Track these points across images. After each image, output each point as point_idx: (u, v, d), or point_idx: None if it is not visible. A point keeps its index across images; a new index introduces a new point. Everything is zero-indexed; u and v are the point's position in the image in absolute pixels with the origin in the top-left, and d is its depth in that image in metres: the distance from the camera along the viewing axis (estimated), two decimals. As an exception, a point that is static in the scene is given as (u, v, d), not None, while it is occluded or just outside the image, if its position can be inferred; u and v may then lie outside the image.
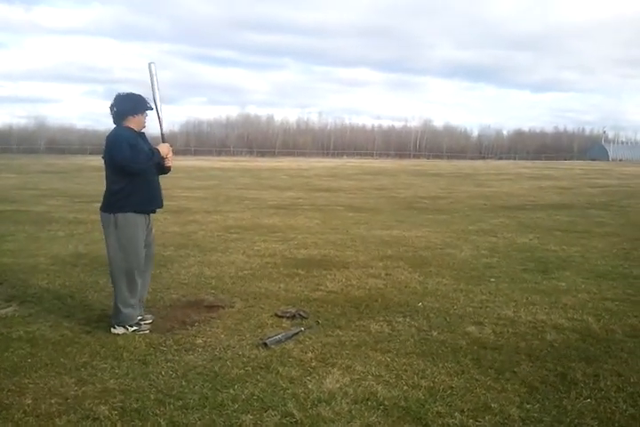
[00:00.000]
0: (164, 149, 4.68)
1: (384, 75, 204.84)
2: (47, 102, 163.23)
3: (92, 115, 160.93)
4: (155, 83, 4.70)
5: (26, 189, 18.28)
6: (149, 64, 4.68)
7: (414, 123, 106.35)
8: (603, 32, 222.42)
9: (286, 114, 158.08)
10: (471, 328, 4.72)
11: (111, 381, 3.62)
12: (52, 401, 3.32)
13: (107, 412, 3.20)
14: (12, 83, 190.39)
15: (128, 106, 4.60)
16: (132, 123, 4.61)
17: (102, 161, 4.58)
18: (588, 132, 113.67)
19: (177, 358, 4.01)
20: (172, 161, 4.81)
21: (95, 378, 3.66)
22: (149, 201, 4.70)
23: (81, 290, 5.76)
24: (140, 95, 4.66)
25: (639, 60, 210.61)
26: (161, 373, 3.75)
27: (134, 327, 4.56)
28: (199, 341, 4.36)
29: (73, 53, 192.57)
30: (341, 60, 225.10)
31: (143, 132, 4.78)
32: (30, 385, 3.54)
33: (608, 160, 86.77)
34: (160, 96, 4.69)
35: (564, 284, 6.28)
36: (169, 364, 3.90)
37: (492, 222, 11.55)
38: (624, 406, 3.37)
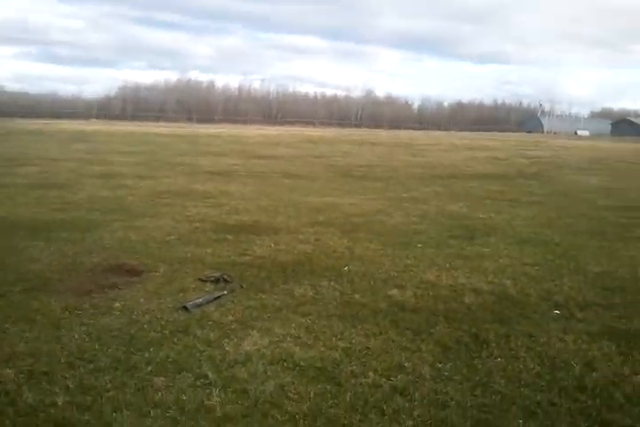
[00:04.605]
0: None
1: (329, 42, 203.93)
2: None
3: (24, 77, 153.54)
4: None
5: None
6: None
7: (357, 92, 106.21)
8: (544, 6, 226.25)
9: (228, 80, 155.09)
10: (393, 291, 4.79)
11: (21, 344, 3.52)
12: (-45, 366, 3.20)
13: (12, 375, 3.11)
14: None
15: None
16: None
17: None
18: (525, 104, 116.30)
19: (92, 321, 3.93)
20: None
21: (4, 342, 3.54)
22: None
23: None
24: None
25: (577, 36, 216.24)
26: (74, 336, 3.67)
27: None
28: (117, 304, 4.27)
29: (4, 12, 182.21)
30: (287, 26, 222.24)
31: None
32: None
33: (543, 132, 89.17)
34: None
35: (487, 249, 6.44)
36: (83, 327, 3.82)
37: (425, 191, 11.71)
38: (532, 365, 3.50)
